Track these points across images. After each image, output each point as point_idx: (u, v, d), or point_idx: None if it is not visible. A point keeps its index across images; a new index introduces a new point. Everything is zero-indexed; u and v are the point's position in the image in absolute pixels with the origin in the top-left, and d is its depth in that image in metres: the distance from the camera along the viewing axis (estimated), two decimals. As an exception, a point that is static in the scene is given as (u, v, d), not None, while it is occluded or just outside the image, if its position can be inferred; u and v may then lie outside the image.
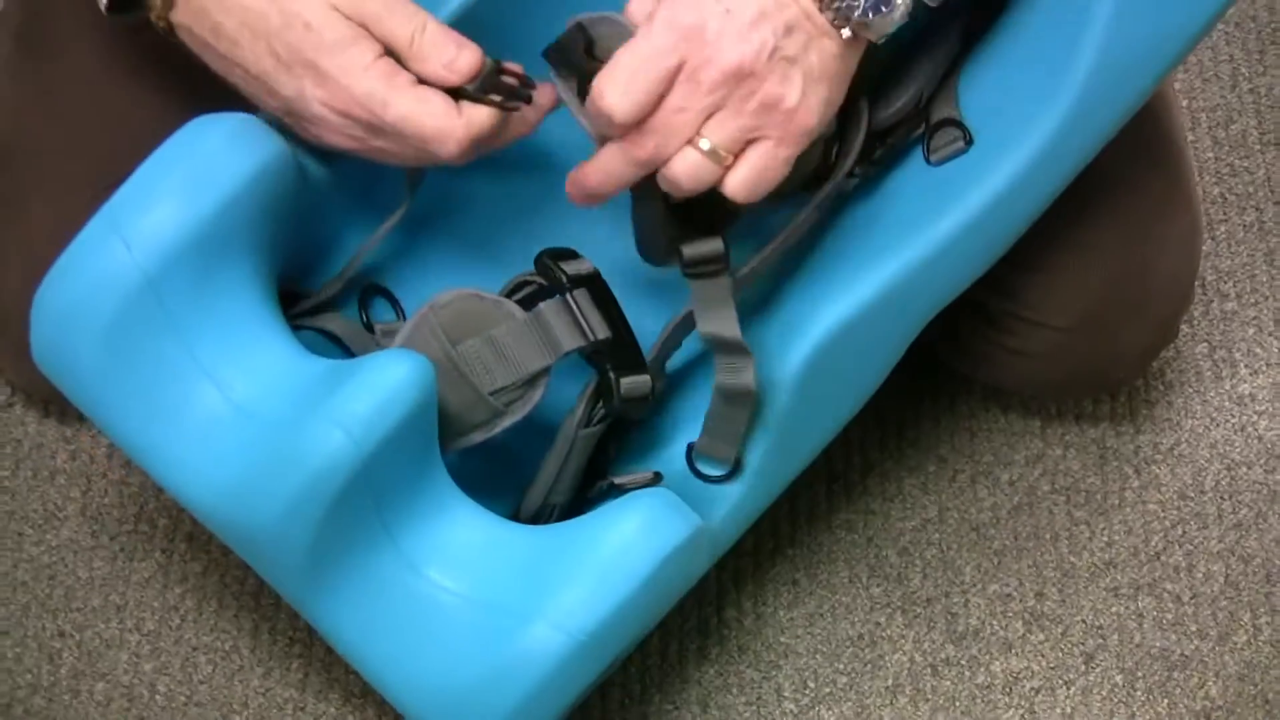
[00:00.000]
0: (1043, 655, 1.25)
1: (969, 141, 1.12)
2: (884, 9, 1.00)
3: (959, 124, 1.13)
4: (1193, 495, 1.32)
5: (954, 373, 1.30)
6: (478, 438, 1.10)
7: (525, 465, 1.14)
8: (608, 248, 1.15)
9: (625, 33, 1.01)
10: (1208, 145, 1.46)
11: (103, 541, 1.28)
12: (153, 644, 1.24)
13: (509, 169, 1.15)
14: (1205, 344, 1.38)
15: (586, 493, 1.13)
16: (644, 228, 1.09)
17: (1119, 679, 1.24)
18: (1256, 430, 1.34)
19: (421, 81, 1.04)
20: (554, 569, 1.06)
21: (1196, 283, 1.29)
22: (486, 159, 1.09)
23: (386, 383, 1.03)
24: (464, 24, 1.08)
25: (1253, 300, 1.40)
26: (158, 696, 1.22)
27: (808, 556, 1.29)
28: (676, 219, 1.07)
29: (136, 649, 1.24)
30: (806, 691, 1.23)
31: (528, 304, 1.09)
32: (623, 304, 1.10)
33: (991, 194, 1.10)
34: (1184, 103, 1.46)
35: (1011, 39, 1.13)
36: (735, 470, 1.12)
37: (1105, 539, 1.30)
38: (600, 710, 1.22)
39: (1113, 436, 1.34)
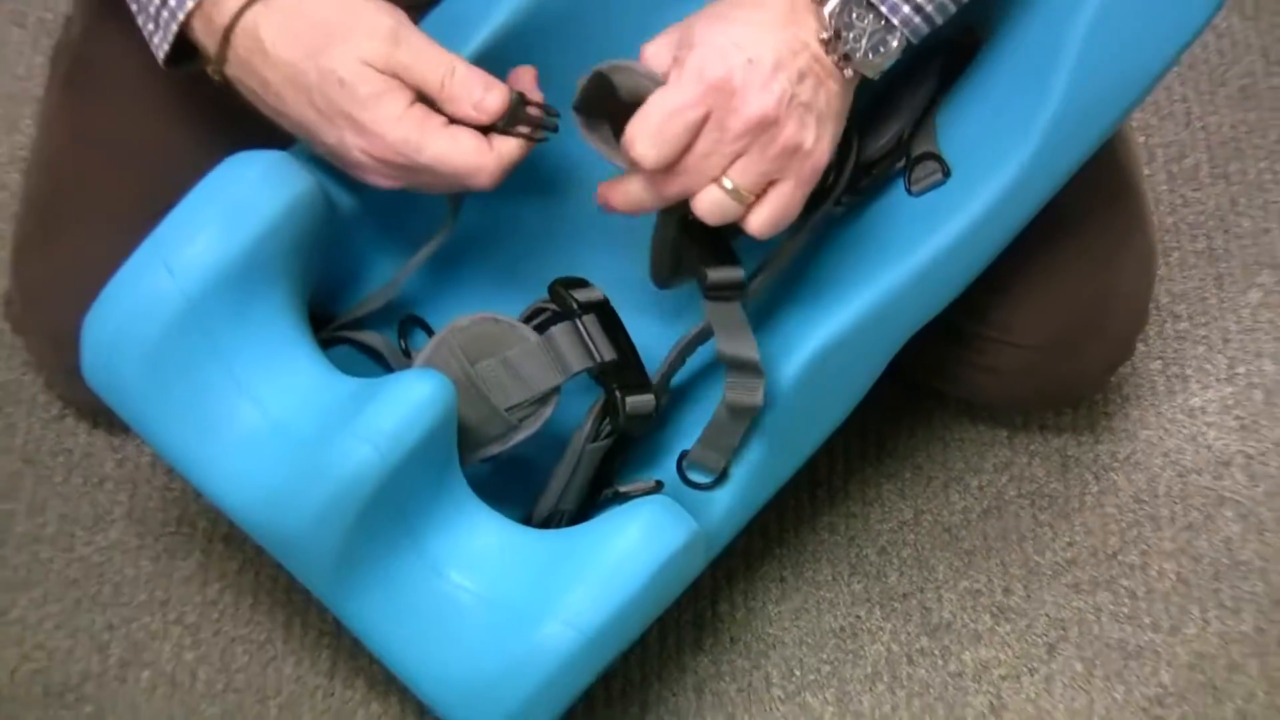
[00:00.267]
0: (1009, 646, 1.27)
1: (947, 174, 1.13)
2: (881, 49, 1.02)
3: (938, 158, 1.14)
4: (1147, 499, 1.34)
5: (929, 388, 1.32)
6: (494, 450, 1.11)
7: (537, 475, 1.15)
8: (618, 275, 1.16)
9: (642, 79, 1.01)
10: (1162, 179, 1.48)
11: (147, 542, 1.29)
12: (193, 635, 1.25)
13: (529, 204, 1.16)
14: (1159, 361, 1.40)
15: (594, 500, 1.14)
16: (657, 252, 1.09)
17: (1079, 667, 1.26)
18: (1206, 440, 1.36)
19: (452, 120, 1.04)
20: (564, 571, 1.07)
21: (1152, 305, 1.31)
22: (509, 196, 1.10)
23: (410, 401, 1.04)
24: (487, 59, 1.09)
25: (1203, 321, 1.42)
26: (198, 683, 1.23)
27: (794, 556, 1.30)
28: (686, 241, 1.07)
29: (179, 640, 1.25)
30: (793, 679, 1.25)
31: (542, 328, 1.10)
32: (629, 325, 1.11)
33: (967, 223, 1.11)
34: (1141, 139, 1.48)
35: (986, 81, 1.14)
36: (721, 479, 1.13)
37: (1067, 539, 1.32)
38: (604, 697, 1.23)
39: (1074, 446, 1.36)
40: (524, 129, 1.05)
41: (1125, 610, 1.28)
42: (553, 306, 1.12)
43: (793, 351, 1.11)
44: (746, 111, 0.99)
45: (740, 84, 0.99)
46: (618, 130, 1.02)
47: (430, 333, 1.18)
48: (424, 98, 1.04)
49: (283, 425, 1.06)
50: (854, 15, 1.01)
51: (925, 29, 1.03)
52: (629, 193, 1.04)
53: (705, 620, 1.27)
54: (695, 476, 1.13)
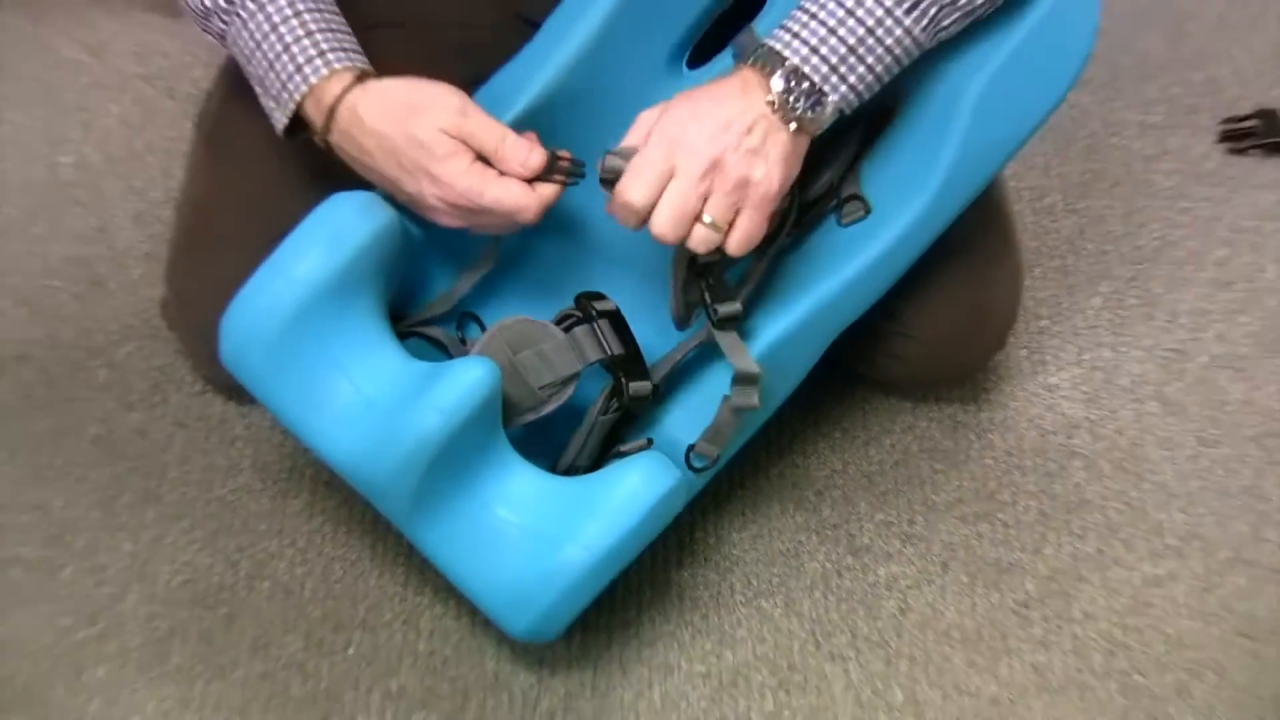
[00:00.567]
0: (913, 563, 1.26)
1: (868, 211, 1.13)
2: (816, 109, 1.01)
3: (861, 199, 1.13)
4: (1015, 453, 1.33)
5: (854, 371, 1.31)
6: (529, 417, 1.11)
7: (561, 437, 1.14)
8: (626, 293, 1.15)
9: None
10: (1028, 213, 1.47)
11: (267, 485, 1.29)
12: (302, 556, 1.25)
13: (560, 237, 1.15)
14: (1025, 350, 1.40)
15: (603, 457, 1.14)
16: (675, 302, 1.10)
17: (965, 579, 1.25)
18: (1060, 409, 1.36)
19: (503, 173, 1.04)
20: (581, 507, 1.06)
21: (1019, 308, 1.31)
22: (545, 232, 1.10)
23: (467, 380, 1.04)
24: (523, 123, 1.09)
25: (1058, 319, 1.42)
26: (305, 591, 1.23)
27: (752, 496, 1.30)
28: (694, 280, 1.08)
29: (291, 559, 1.25)
30: (750, 587, 1.24)
31: (568, 329, 1.10)
32: (633, 330, 1.11)
33: (882, 248, 1.11)
34: (1011, 184, 1.47)
35: (898, 141, 1.13)
36: (714, 463, 1.13)
37: (955, 484, 1.31)
38: (609, 601, 1.23)
39: (961, 413, 1.36)
40: (558, 177, 1.05)
41: (999, 536, 1.28)
42: (576, 313, 1.11)
43: (754, 344, 1.11)
44: (699, 159, 0.99)
45: (692, 139, 0.99)
46: None
47: (482, 327, 1.17)
48: (482, 157, 1.04)
49: (370, 398, 1.05)
50: (795, 89, 1.01)
51: (856, 102, 1.03)
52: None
53: (685, 545, 1.27)
54: (697, 463, 1.13)
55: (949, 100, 1.08)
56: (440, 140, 1.03)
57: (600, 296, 1.11)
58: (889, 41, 1.02)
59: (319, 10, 1.08)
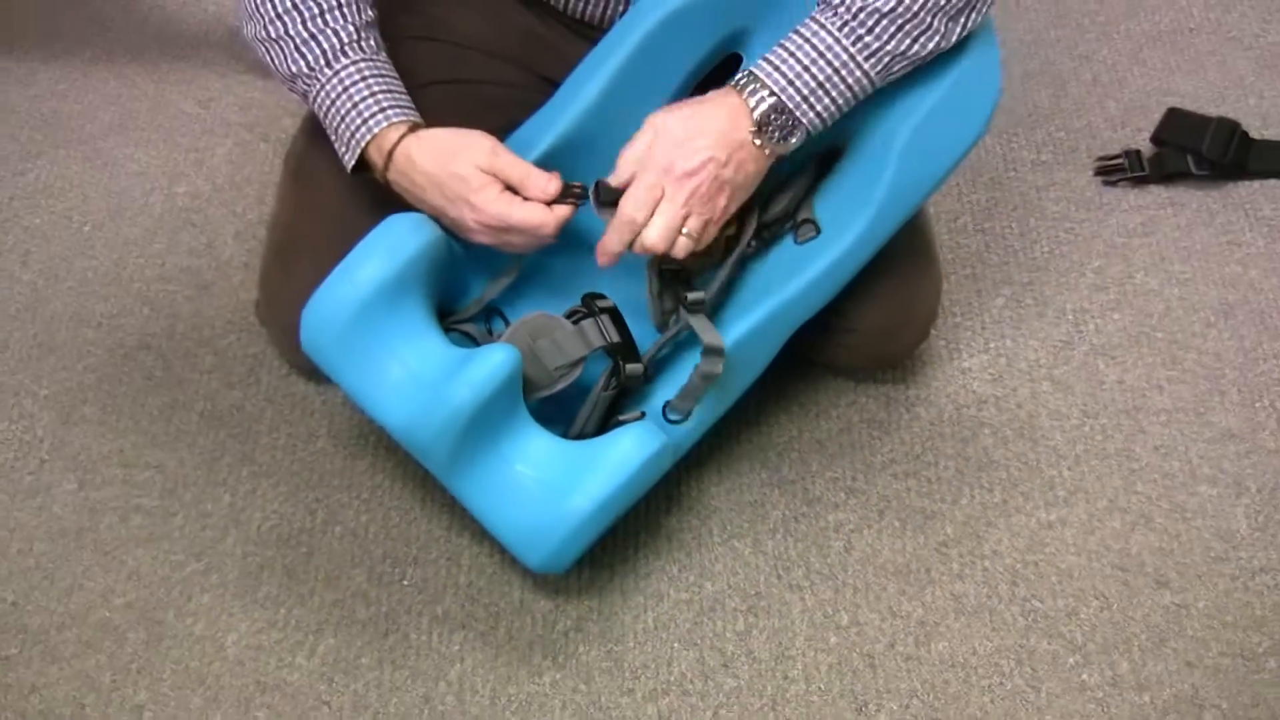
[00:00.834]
0: (855, 511, 1.23)
1: (819, 231, 1.11)
2: (790, 139, 1.03)
3: (813, 221, 1.12)
4: (935, 423, 1.30)
5: (807, 358, 1.28)
6: (545, 393, 1.09)
7: (570, 409, 1.12)
8: (621, 295, 1.12)
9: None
10: (945, 232, 1.44)
11: (339, 449, 1.26)
12: (367, 506, 1.22)
13: (570, 253, 1.13)
14: (944, 340, 1.36)
15: (605, 426, 1.11)
16: (653, 307, 1.10)
17: (896, 524, 1.22)
18: (972, 388, 1.32)
19: (526, 199, 1.04)
20: (585, 464, 1.05)
21: (939, 307, 1.28)
22: (558, 248, 1.09)
23: (494, 362, 1.03)
24: (545, 161, 1.08)
25: (969, 316, 1.38)
26: (369, 535, 1.20)
27: (727, 458, 1.26)
28: (667, 282, 1.09)
29: (357, 508, 1.22)
30: (725, 531, 1.21)
31: (576, 322, 1.09)
32: (627, 323, 1.10)
33: (830, 262, 1.09)
34: (931, 208, 1.43)
35: (844, 173, 1.12)
36: (686, 418, 1.11)
37: (889, 447, 1.28)
38: (611, 542, 1.20)
39: (893, 391, 1.32)
40: (571, 200, 1.04)
41: (924, 489, 1.25)
42: (583, 309, 1.10)
43: (725, 338, 1.09)
44: (683, 188, 1.01)
45: (679, 170, 1.00)
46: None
47: (507, 323, 1.15)
48: (509, 187, 1.04)
49: (417, 375, 1.04)
50: (772, 118, 1.02)
51: (821, 127, 1.04)
52: (609, 248, 1.05)
53: (672, 496, 1.24)
54: (672, 416, 1.11)
55: (884, 144, 1.08)
56: (476, 175, 1.03)
57: (602, 296, 1.10)
58: (850, 80, 1.02)
59: (380, 75, 1.08)
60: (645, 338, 1.12)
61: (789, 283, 1.10)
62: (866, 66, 1.02)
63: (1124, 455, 1.26)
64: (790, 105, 1.01)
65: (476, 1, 1.20)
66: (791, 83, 1.01)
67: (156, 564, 1.18)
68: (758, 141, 1.02)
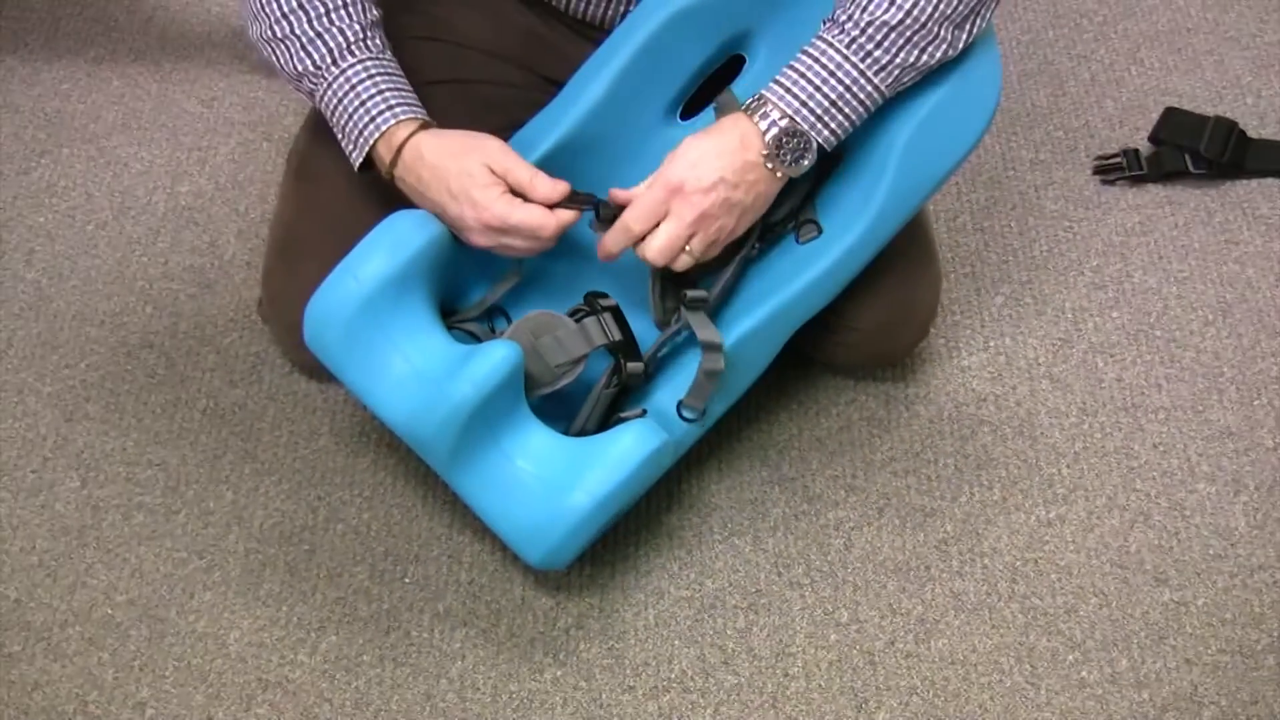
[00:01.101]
0: (855, 509, 1.22)
1: (820, 232, 1.11)
2: (802, 162, 1.02)
3: (815, 222, 1.11)
4: (935, 421, 1.29)
5: (808, 357, 1.27)
6: (547, 390, 1.08)
7: (572, 407, 1.11)
8: (623, 294, 1.12)
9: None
10: (944, 231, 1.43)
11: (341, 447, 1.25)
12: (369, 503, 1.22)
13: (572, 257, 1.12)
14: (943, 339, 1.35)
15: (606, 423, 1.11)
16: (655, 306, 1.09)
17: (896, 522, 1.21)
18: (971, 386, 1.31)
19: (529, 201, 1.03)
20: (585, 461, 1.04)
21: (939, 306, 1.27)
22: (560, 252, 1.08)
23: (495, 358, 1.03)
24: (546, 163, 1.07)
25: (968, 314, 1.37)
26: (371, 531, 1.20)
27: (727, 456, 1.26)
28: (668, 288, 1.09)
29: (359, 506, 1.21)
30: (726, 528, 1.21)
31: (579, 320, 1.09)
32: (629, 321, 1.09)
33: (831, 262, 1.09)
34: (931, 207, 1.43)
35: (845, 177, 1.11)
36: (702, 415, 1.10)
37: (888, 445, 1.27)
38: (612, 540, 1.19)
39: (893, 389, 1.31)
40: (573, 205, 1.04)
41: (924, 487, 1.24)
42: (585, 308, 1.09)
43: (727, 337, 1.08)
44: (691, 209, 1.00)
45: (689, 191, 1.00)
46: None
47: (510, 320, 1.14)
48: (513, 189, 1.03)
49: (420, 371, 1.03)
50: (784, 141, 1.01)
51: (835, 143, 1.03)
52: (607, 247, 1.05)
53: (673, 494, 1.23)
54: (688, 415, 1.10)
55: (885, 146, 1.08)
56: (484, 173, 1.02)
57: (604, 295, 1.09)
58: (861, 96, 1.02)
59: (387, 74, 1.07)
60: (647, 336, 1.12)
61: (790, 283, 1.09)
62: (877, 81, 1.01)
63: (1123, 453, 1.26)
64: (804, 126, 1.01)
65: (478, 2, 1.19)
66: (805, 104, 1.01)
67: (159, 561, 1.17)
68: (770, 165, 1.01)
